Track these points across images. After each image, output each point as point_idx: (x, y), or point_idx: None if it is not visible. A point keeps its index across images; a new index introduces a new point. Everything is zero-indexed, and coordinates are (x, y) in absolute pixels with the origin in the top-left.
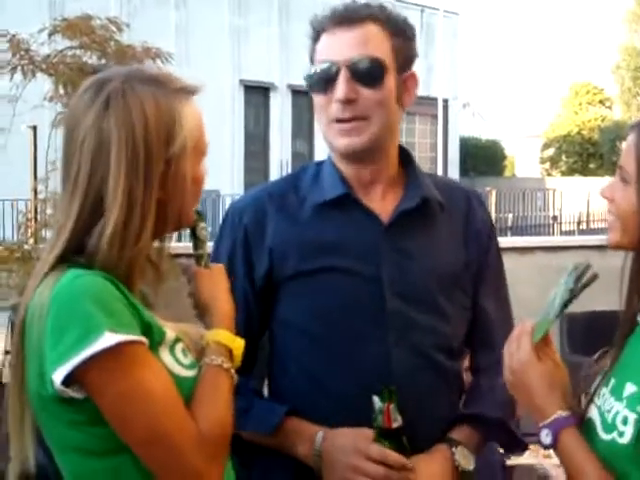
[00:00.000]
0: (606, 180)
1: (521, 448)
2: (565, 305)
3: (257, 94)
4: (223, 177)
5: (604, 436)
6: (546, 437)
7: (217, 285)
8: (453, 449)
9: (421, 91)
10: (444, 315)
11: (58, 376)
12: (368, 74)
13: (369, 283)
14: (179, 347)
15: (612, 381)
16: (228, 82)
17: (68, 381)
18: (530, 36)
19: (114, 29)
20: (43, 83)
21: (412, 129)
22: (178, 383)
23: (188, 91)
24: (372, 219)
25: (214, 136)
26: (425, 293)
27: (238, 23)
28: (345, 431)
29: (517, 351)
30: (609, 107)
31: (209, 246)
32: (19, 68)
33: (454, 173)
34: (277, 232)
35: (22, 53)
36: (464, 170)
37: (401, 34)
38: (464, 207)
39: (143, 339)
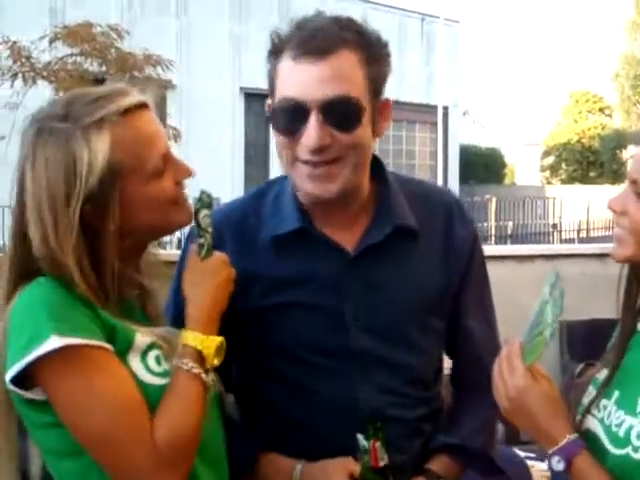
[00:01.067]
0: (606, 188)
1: (501, 475)
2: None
3: (257, 101)
4: (223, 184)
5: (615, 450)
6: (558, 464)
7: (207, 275)
8: None
9: (421, 99)
10: (416, 347)
11: (7, 376)
12: (343, 117)
13: (332, 318)
14: (152, 354)
15: (616, 393)
16: (228, 89)
17: (22, 383)
18: (530, 44)
19: (115, 36)
20: (44, 90)
21: (412, 137)
22: (145, 390)
23: (103, 121)
24: (335, 251)
25: (214, 143)
26: (394, 327)
27: (238, 30)
28: (327, 463)
29: (510, 376)
30: (609, 115)
31: (203, 240)
32: (20, 75)
33: (454, 181)
34: (235, 264)
35: (23, 60)
36: (464, 178)
37: (376, 58)
38: (443, 224)
39: (100, 343)
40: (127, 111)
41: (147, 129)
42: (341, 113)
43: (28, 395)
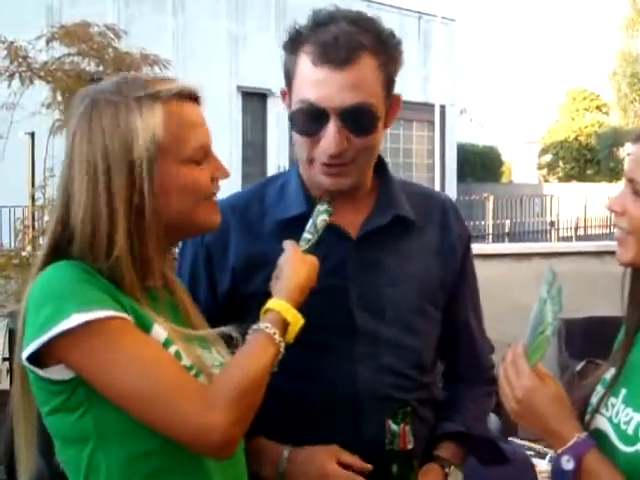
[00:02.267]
0: (603, 186)
1: (506, 463)
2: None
3: (254, 100)
4: (221, 184)
5: (625, 448)
6: (567, 463)
7: (306, 263)
8: (446, 469)
9: (418, 97)
10: (415, 331)
11: (25, 353)
12: (361, 124)
13: (336, 297)
14: (172, 349)
15: (624, 391)
16: (225, 88)
17: (38, 362)
18: (527, 42)
19: (112, 36)
20: (41, 90)
21: (409, 135)
22: None
23: (159, 96)
24: (339, 235)
25: (211, 142)
26: (395, 309)
27: (236, 29)
28: (313, 450)
29: (517, 378)
30: (606, 113)
31: (310, 238)
32: (17, 75)
33: (451, 179)
34: (240, 249)
35: (20, 60)
36: (461, 176)
37: (391, 59)
38: (439, 221)
39: (121, 314)
40: (179, 95)
41: (193, 116)
42: (358, 120)
43: (43, 374)
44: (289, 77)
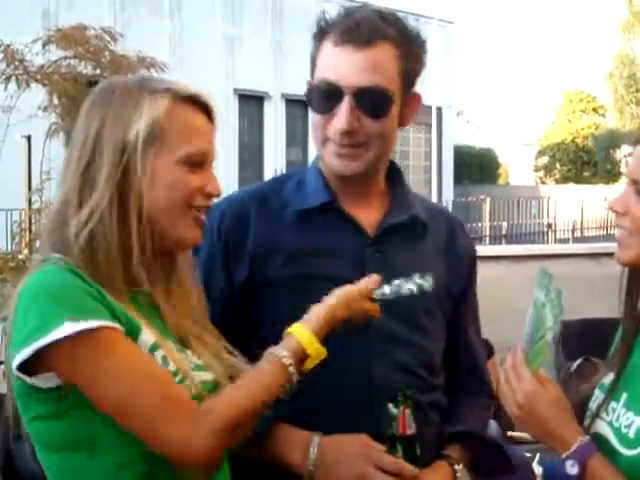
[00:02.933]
0: (600, 188)
1: (512, 472)
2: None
3: (251, 103)
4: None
5: (626, 451)
6: (572, 467)
7: (357, 306)
8: (456, 466)
9: None
10: (426, 332)
11: (15, 362)
12: (374, 106)
13: None
14: (158, 354)
15: (624, 395)
16: (222, 91)
17: (29, 368)
18: (524, 44)
19: (108, 39)
20: (37, 93)
21: (406, 137)
22: None
23: (170, 92)
24: (357, 229)
25: (214, 159)
26: (408, 308)
27: (232, 32)
28: (345, 439)
29: (518, 384)
30: (602, 115)
31: (389, 293)
32: (13, 78)
33: (448, 181)
34: (257, 238)
35: (16, 63)
36: (458, 178)
37: (412, 54)
38: (446, 232)
39: (113, 324)
40: (192, 100)
41: (198, 122)
42: (372, 101)
43: (30, 382)
44: (314, 63)
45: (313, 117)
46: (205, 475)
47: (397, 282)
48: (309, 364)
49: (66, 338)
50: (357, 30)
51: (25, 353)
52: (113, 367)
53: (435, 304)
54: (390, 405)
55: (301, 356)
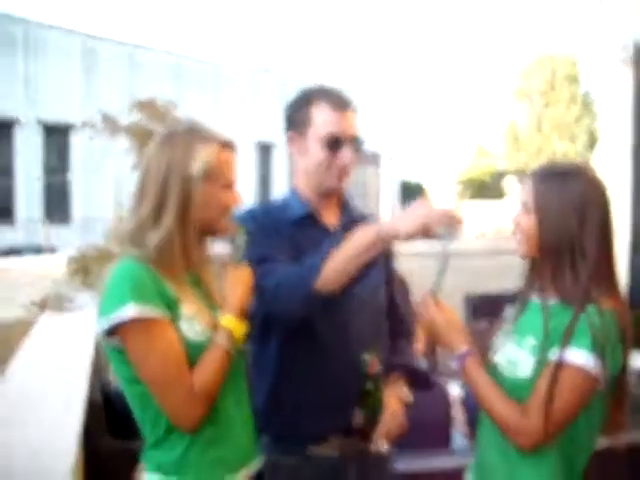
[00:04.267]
0: (493, 203)
1: (429, 387)
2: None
3: (265, 151)
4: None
5: (511, 374)
6: (455, 365)
7: (237, 283)
8: (399, 390)
9: (370, 147)
10: (378, 291)
11: (99, 329)
12: (358, 146)
13: None
14: (196, 321)
15: (514, 337)
16: (243, 142)
17: (110, 334)
18: (443, 107)
19: (170, 107)
20: (123, 142)
21: (364, 173)
22: (191, 345)
23: (217, 140)
24: (324, 229)
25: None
26: (370, 287)
27: (253, 109)
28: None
29: (426, 311)
30: (496, 160)
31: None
32: (108, 131)
33: (395, 203)
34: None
35: (110, 123)
36: (401, 202)
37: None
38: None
39: (161, 315)
40: (226, 144)
41: (230, 159)
42: (357, 145)
43: (110, 341)
44: (304, 122)
45: (318, 154)
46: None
47: (231, 249)
48: (238, 338)
49: (130, 319)
50: (342, 98)
51: (105, 324)
52: (154, 352)
53: (378, 272)
54: (365, 355)
55: (230, 335)
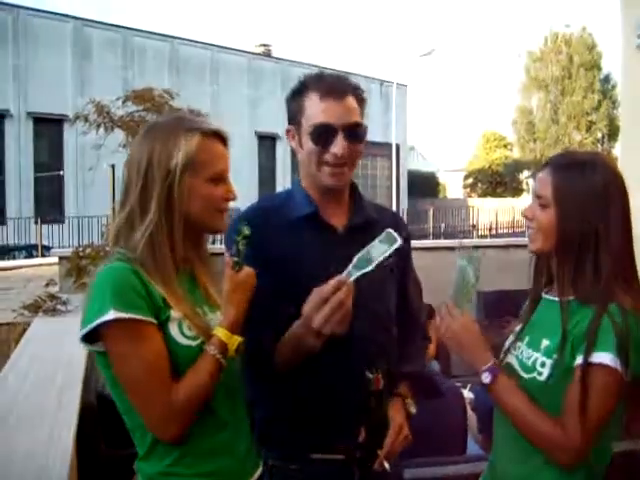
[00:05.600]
0: (509, 200)
1: (442, 396)
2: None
3: (267, 141)
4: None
5: (525, 375)
6: (486, 378)
7: (236, 290)
8: (406, 400)
9: (381, 138)
10: (385, 299)
11: (80, 334)
12: (355, 135)
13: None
14: (185, 323)
15: (527, 338)
16: (247, 134)
17: (91, 340)
18: (457, 97)
19: (168, 97)
20: (119, 135)
21: (375, 165)
22: (179, 349)
23: (203, 131)
24: (331, 229)
25: (234, 171)
26: (373, 278)
27: (254, 94)
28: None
29: (452, 322)
30: (510, 149)
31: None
32: (102, 125)
33: (404, 196)
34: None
35: (104, 114)
36: (411, 193)
37: (362, 102)
38: (391, 223)
39: (145, 318)
40: (214, 133)
41: (219, 150)
42: (354, 133)
43: (93, 348)
44: (298, 114)
45: (309, 148)
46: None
47: (233, 251)
48: (231, 351)
49: (111, 321)
50: (334, 85)
51: (86, 329)
52: (135, 357)
53: (388, 274)
54: (367, 372)
55: (223, 348)
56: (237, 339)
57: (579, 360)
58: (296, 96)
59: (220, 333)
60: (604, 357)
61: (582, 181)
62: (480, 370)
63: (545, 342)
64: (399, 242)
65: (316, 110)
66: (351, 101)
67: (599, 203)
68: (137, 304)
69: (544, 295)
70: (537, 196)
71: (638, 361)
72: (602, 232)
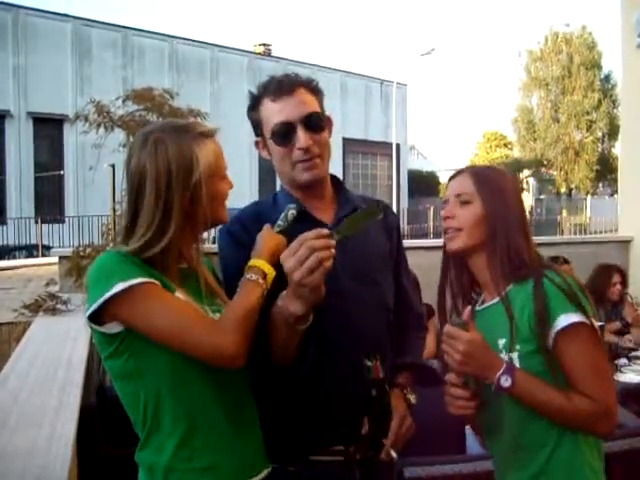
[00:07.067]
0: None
1: (440, 383)
2: None
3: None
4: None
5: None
6: (505, 381)
7: (273, 239)
8: (405, 390)
9: (381, 138)
10: (381, 286)
11: (86, 314)
12: (315, 124)
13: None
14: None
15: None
16: (246, 132)
17: (99, 320)
18: (456, 98)
19: (168, 97)
20: (119, 135)
21: (375, 165)
22: None
23: (205, 134)
24: (319, 224)
25: (236, 170)
26: (367, 272)
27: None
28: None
29: (458, 344)
30: (510, 149)
31: (281, 224)
32: (102, 124)
33: (404, 195)
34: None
35: (104, 114)
36: (411, 193)
37: (318, 93)
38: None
39: (154, 280)
40: (210, 134)
41: (218, 146)
42: (313, 122)
43: (100, 329)
44: (259, 125)
45: (277, 152)
46: (237, 366)
47: (281, 217)
48: (268, 280)
49: (121, 292)
50: (282, 84)
51: (92, 308)
52: (159, 305)
53: (384, 265)
54: (365, 360)
55: (262, 274)
56: (272, 271)
57: (552, 334)
58: (254, 108)
59: (257, 262)
60: (570, 317)
61: (497, 174)
62: (495, 378)
63: (501, 341)
64: (382, 214)
65: (271, 112)
66: (303, 93)
67: (514, 191)
68: (142, 274)
69: (477, 308)
70: (456, 195)
71: (591, 309)
72: (518, 217)
